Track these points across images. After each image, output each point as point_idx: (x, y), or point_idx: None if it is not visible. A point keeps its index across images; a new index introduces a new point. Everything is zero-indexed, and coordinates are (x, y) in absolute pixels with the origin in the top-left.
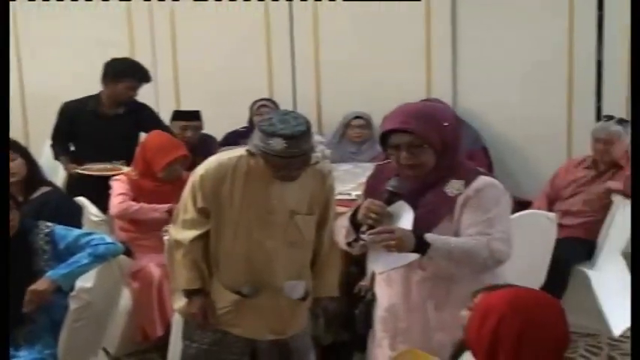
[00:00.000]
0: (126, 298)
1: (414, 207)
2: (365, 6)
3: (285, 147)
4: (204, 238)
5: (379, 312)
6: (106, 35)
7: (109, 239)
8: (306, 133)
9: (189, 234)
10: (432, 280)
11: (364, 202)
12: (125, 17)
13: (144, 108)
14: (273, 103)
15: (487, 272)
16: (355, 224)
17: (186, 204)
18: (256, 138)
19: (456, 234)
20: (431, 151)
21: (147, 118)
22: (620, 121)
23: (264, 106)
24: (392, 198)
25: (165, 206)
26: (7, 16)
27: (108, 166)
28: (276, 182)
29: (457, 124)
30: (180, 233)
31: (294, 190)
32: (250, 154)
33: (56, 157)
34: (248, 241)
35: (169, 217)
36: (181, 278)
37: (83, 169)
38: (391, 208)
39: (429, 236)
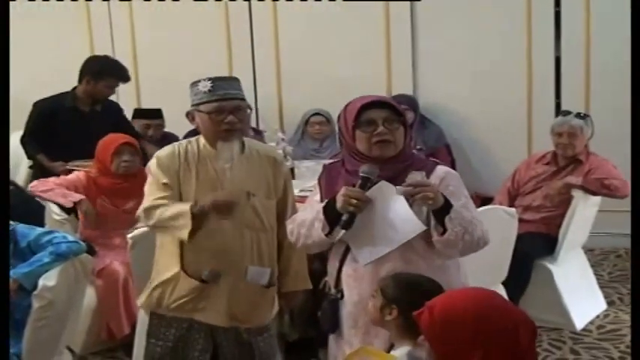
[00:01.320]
0: (90, 297)
1: None
2: (324, 4)
3: (211, 87)
4: None
5: (348, 308)
6: (65, 35)
7: (71, 237)
8: (233, 79)
9: (159, 202)
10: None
11: (340, 190)
12: (85, 18)
13: (119, 108)
14: None
15: (454, 266)
16: (329, 217)
17: (151, 188)
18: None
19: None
20: (402, 133)
21: (122, 120)
22: (579, 115)
23: None
24: (365, 184)
25: (76, 196)
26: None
27: (88, 162)
28: (228, 165)
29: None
30: (148, 202)
31: (248, 172)
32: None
33: (31, 156)
34: (206, 225)
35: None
36: (180, 219)
37: (72, 166)
38: (369, 193)
39: (453, 211)
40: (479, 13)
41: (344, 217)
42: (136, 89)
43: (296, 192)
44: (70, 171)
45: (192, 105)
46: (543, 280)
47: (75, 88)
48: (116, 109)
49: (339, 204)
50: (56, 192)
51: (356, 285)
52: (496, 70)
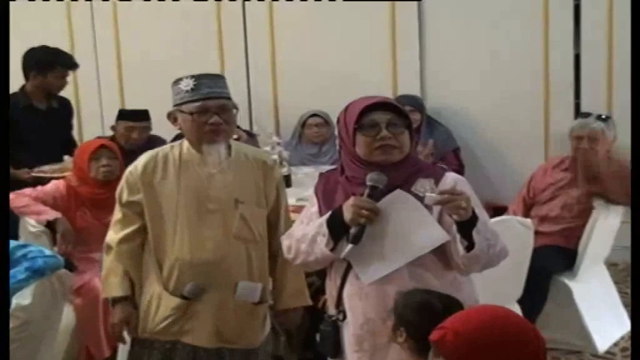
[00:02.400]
0: (68, 316)
1: None
2: (325, 2)
3: (194, 85)
4: (135, 239)
5: (353, 330)
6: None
7: (47, 252)
8: (217, 76)
9: (119, 235)
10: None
11: (348, 201)
12: (65, 16)
13: (69, 103)
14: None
15: (467, 281)
16: (335, 230)
17: (116, 206)
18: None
19: None
20: (407, 137)
21: (70, 115)
22: (600, 118)
23: None
24: (373, 193)
25: (52, 214)
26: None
27: (57, 166)
28: (215, 170)
29: None
30: (110, 236)
31: (236, 178)
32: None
33: None
34: (190, 236)
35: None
36: (108, 285)
37: (38, 172)
38: (381, 204)
39: (480, 223)
40: (491, 7)
41: (353, 231)
42: (119, 90)
43: (293, 201)
44: (36, 179)
45: (174, 105)
46: (562, 297)
47: (23, 86)
48: (70, 107)
49: (348, 216)
50: (32, 208)
51: (361, 305)
52: (510, 68)
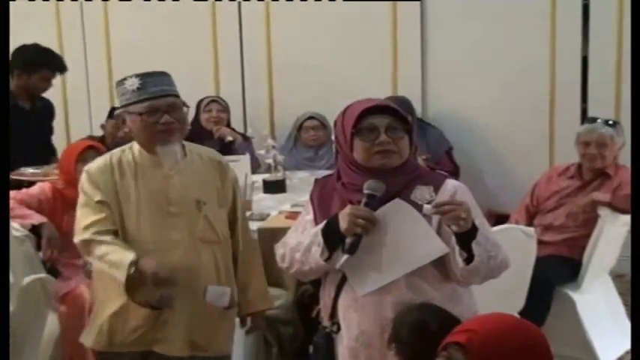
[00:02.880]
0: (52, 325)
1: None
2: (325, 2)
3: (139, 84)
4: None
5: (347, 343)
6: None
7: None
8: (163, 74)
9: (95, 229)
10: (407, 303)
11: (344, 210)
12: (54, 16)
13: (52, 105)
14: (223, 101)
15: (467, 293)
16: (330, 239)
17: (83, 209)
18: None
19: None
20: (407, 142)
21: (51, 118)
22: (608, 123)
23: (214, 101)
24: (371, 202)
25: (37, 218)
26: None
27: (39, 170)
28: (172, 171)
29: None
30: (85, 235)
31: (195, 179)
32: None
33: None
34: (154, 242)
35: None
36: (117, 266)
37: (17, 175)
38: (378, 213)
39: (479, 234)
40: (496, 7)
41: (348, 240)
42: (109, 90)
43: (287, 207)
44: (17, 182)
45: (121, 106)
46: (565, 309)
47: None
48: (53, 109)
49: (344, 225)
50: (16, 212)
51: (356, 316)
52: (514, 71)
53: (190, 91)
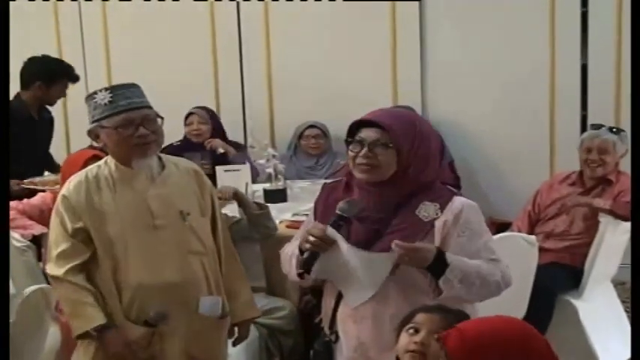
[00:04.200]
0: (54, 335)
1: (384, 229)
2: (323, 4)
3: (111, 98)
4: (85, 269)
5: (346, 353)
6: (29, 37)
7: None
8: (133, 85)
9: (68, 266)
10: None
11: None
12: (52, 17)
13: (52, 115)
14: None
15: (468, 304)
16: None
17: (56, 235)
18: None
19: None
20: (394, 156)
21: (53, 127)
22: (612, 130)
23: (193, 114)
24: (339, 222)
25: (37, 229)
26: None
27: (49, 178)
28: (151, 183)
29: (441, 145)
30: (56, 269)
31: (175, 189)
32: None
33: None
34: (143, 257)
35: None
36: (80, 318)
37: (29, 184)
38: (330, 232)
39: (448, 255)
40: (496, 14)
41: (304, 256)
42: None
43: (288, 216)
44: (28, 190)
45: (93, 121)
46: (567, 317)
47: (19, 95)
48: (53, 119)
49: (300, 241)
50: (17, 222)
51: (355, 328)
52: (514, 78)
53: (191, 101)
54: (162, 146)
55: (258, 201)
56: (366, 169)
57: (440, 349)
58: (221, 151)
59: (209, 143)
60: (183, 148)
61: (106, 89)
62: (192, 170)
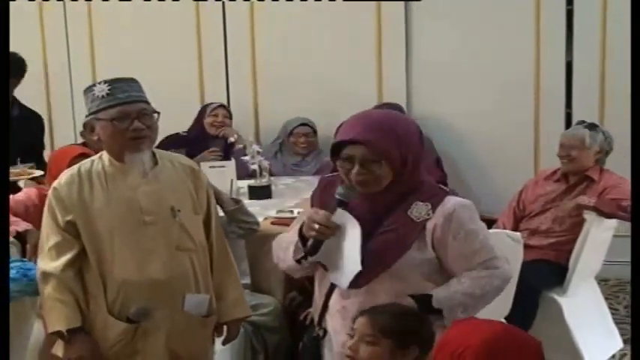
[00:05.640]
0: (39, 333)
1: (375, 230)
2: (308, 5)
3: (109, 90)
4: (77, 263)
5: (335, 348)
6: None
7: (30, 265)
8: (132, 80)
9: (59, 262)
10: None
11: (309, 212)
12: (37, 17)
13: (38, 117)
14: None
15: None
16: (304, 239)
17: (48, 229)
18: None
19: (433, 261)
20: (387, 167)
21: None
22: (590, 126)
23: (221, 106)
24: (340, 207)
25: (22, 225)
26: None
27: (26, 169)
28: (143, 179)
29: (420, 137)
30: (47, 264)
31: (168, 185)
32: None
33: None
34: (132, 254)
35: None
36: (56, 316)
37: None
38: (335, 218)
39: (436, 301)
40: (480, 13)
41: (309, 243)
42: None
43: (273, 213)
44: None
45: (90, 113)
46: (551, 314)
47: None
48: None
49: (304, 228)
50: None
51: (344, 323)
52: (499, 76)
53: (176, 97)
54: (170, 134)
55: (234, 197)
56: (363, 184)
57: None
58: (232, 139)
59: (222, 130)
60: (190, 140)
61: (105, 82)
62: (188, 167)
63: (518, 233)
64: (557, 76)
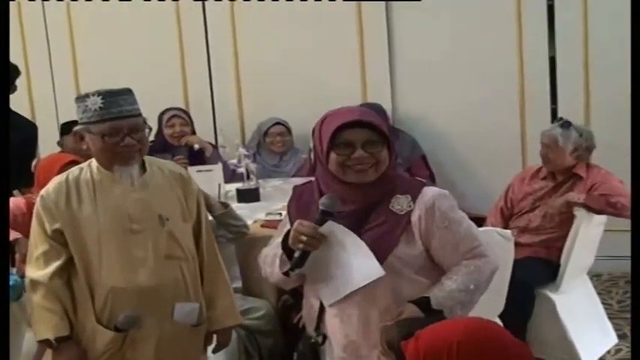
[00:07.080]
0: (30, 342)
1: (358, 229)
2: (291, 5)
3: (102, 104)
4: (65, 271)
5: (336, 353)
6: None
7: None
8: (126, 91)
9: (48, 270)
10: (393, 313)
11: (294, 224)
12: (16, 17)
13: (32, 126)
14: (186, 113)
15: None
16: (288, 251)
17: (36, 237)
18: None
19: (422, 254)
20: (386, 154)
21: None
22: (563, 125)
23: (175, 116)
24: (324, 218)
25: (10, 234)
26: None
27: None
28: (131, 187)
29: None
30: (36, 272)
31: (156, 193)
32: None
33: None
34: (120, 262)
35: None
36: (45, 325)
37: None
38: (323, 229)
39: (435, 302)
40: (461, 10)
41: (295, 255)
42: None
43: (262, 216)
44: None
45: (81, 123)
46: (545, 311)
47: None
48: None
49: (290, 240)
50: None
51: (344, 327)
52: (483, 73)
53: (159, 99)
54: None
55: (223, 200)
56: (364, 169)
57: None
58: (197, 146)
59: (185, 139)
60: (154, 148)
61: (99, 94)
62: (177, 174)
63: (508, 231)
64: (541, 72)
